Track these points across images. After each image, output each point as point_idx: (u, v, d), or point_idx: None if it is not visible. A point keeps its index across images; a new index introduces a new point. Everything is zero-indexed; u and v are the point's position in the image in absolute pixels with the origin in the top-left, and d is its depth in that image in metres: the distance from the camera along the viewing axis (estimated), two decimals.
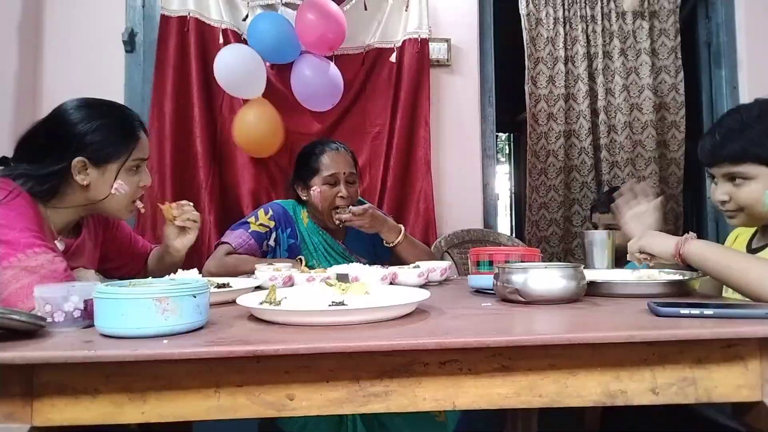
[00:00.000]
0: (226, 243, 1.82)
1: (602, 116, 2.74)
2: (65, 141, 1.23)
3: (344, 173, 1.87)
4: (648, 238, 1.23)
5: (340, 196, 1.85)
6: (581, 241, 1.56)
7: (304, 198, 1.92)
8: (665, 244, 1.19)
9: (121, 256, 1.52)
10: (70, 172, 1.23)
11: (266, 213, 1.89)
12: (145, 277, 1.47)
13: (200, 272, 1.28)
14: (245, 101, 2.31)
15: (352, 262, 1.85)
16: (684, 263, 1.17)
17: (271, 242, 1.87)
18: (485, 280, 1.27)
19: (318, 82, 2.28)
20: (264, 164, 2.42)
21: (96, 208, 1.32)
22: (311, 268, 1.67)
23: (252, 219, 1.87)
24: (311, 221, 1.93)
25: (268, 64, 2.33)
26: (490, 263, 1.33)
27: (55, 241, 1.25)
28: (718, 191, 1.28)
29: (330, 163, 1.86)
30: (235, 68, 2.20)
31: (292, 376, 0.79)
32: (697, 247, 1.14)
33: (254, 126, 2.25)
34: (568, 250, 2.74)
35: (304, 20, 2.21)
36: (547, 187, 2.73)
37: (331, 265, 1.82)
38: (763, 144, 1.20)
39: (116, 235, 1.50)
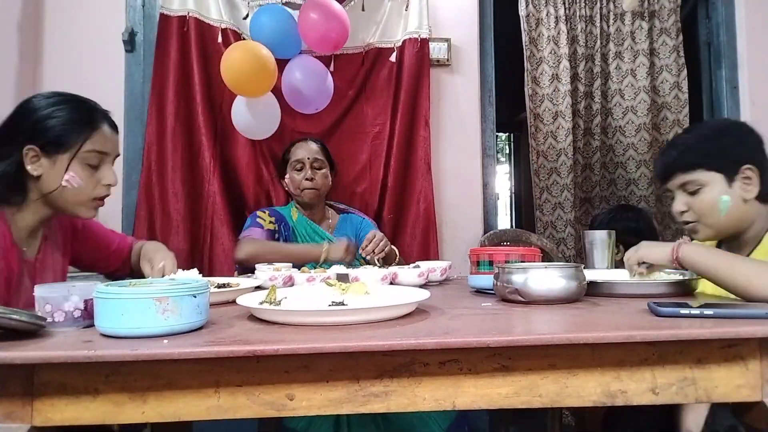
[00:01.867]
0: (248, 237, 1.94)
1: (606, 116, 2.74)
2: (19, 130, 1.18)
3: (308, 159, 2.07)
4: (645, 249, 1.24)
5: (306, 179, 2.03)
6: (582, 240, 1.55)
7: (287, 190, 2.16)
8: (662, 251, 1.20)
9: (94, 255, 1.46)
10: (23, 163, 1.17)
11: (264, 212, 2.04)
12: (127, 270, 1.47)
13: (200, 272, 1.27)
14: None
15: None
16: (681, 267, 1.19)
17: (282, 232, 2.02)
18: (485, 280, 1.28)
19: (306, 85, 2.28)
20: (266, 162, 2.42)
21: (53, 205, 1.24)
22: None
23: (260, 220, 1.99)
24: (300, 214, 2.09)
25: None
26: (490, 263, 1.33)
27: (23, 257, 1.22)
28: (676, 203, 1.32)
29: (297, 152, 2.10)
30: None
31: (291, 375, 0.79)
32: (689, 250, 1.16)
33: (240, 63, 2.14)
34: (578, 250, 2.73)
35: (307, 19, 2.20)
36: (560, 187, 2.73)
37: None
38: (711, 151, 1.25)
39: (87, 236, 1.44)
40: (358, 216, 2.24)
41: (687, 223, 1.32)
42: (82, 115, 1.22)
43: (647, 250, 1.24)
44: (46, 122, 1.18)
